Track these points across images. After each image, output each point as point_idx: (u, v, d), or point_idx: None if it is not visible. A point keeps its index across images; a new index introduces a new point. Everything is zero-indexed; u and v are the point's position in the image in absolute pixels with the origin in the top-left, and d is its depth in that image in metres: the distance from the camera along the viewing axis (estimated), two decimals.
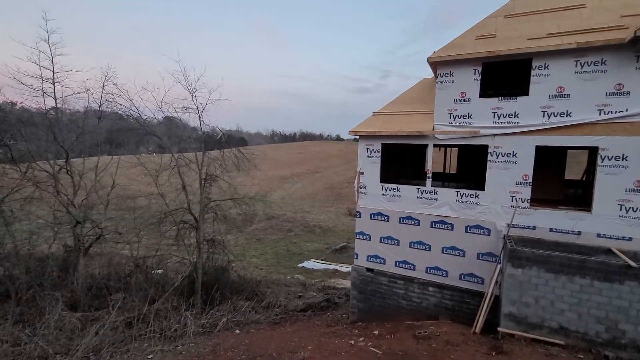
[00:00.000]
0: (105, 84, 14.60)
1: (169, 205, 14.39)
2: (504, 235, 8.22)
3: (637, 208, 7.30)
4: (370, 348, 7.52)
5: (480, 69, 8.48)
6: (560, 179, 10.67)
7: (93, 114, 15.79)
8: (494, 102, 8.43)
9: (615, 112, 7.32)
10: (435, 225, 9.26)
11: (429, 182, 9.29)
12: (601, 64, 7.40)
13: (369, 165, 9.98)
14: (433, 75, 9.87)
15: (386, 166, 10.25)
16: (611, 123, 7.38)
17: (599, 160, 7.57)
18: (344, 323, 10.71)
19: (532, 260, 7.12)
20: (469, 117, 8.67)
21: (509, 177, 8.35)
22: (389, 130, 9.44)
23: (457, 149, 12.86)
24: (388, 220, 9.86)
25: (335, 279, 19.71)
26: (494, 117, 8.41)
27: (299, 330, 10.20)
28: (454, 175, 13.31)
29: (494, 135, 8.40)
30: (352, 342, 8.11)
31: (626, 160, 7.29)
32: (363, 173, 10.11)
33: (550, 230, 8.10)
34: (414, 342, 7.57)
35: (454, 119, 8.84)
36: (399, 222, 9.70)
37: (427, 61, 8.92)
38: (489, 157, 8.54)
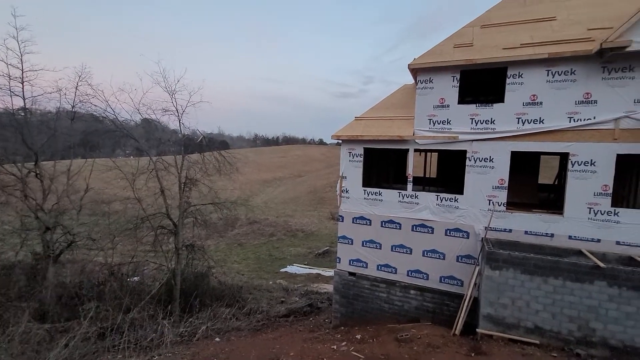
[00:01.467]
0: (79, 84, 14.06)
1: (146, 210, 13.93)
2: (482, 238, 8.43)
3: (605, 211, 7.66)
4: (353, 353, 7.48)
5: (458, 76, 8.72)
6: (534, 183, 11.09)
7: (65, 115, 15.14)
8: (471, 108, 8.68)
9: (584, 120, 7.69)
10: (416, 228, 9.39)
11: (410, 186, 9.43)
12: (571, 74, 7.77)
13: (352, 169, 10.03)
14: (414, 81, 10.06)
15: (368, 170, 10.33)
16: (580, 130, 7.75)
17: (569, 166, 7.92)
18: (326, 328, 10.64)
19: (508, 262, 7.33)
20: (448, 122, 8.89)
21: (487, 181, 8.60)
22: (371, 135, 9.53)
23: (437, 153, 13.17)
24: (370, 224, 9.92)
25: (318, 284, 19.62)
26: (471, 123, 8.66)
27: (281, 336, 10.05)
28: (435, 180, 13.60)
29: (472, 140, 8.64)
30: (335, 347, 8.05)
31: (594, 165, 7.66)
32: (345, 177, 10.14)
33: (525, 232, 8.37)
34: (396, 346, 7.60)
35: (434, 124, 9.03)
36: (381, 226, 9.78)
37: (408, 68, 9.10)
38: (468, 162, 8.77)
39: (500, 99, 8.41)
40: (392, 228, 9.65)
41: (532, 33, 8.54)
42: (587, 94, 7.67)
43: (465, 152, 8.82)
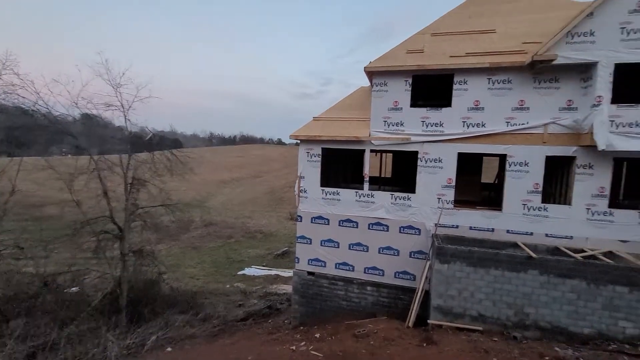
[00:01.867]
0: (2, 72, 12.43)
1: (86, 213, 12.73)
2: (433, 234, 8.94)
3: (536, 207, 8.54)
4: (312, 352, 7.51)
5: (410, 80, 9.17)
6: (478, 182, 12.00)
7: None
8: (422, 111, 9.17)
9: (519, 125, 8.50)
10: (372, 227, 9.68)
11: (366, 186, 9.71)
12: (508, 82, 8.55)
13: (310, 169, 10.07)
14: (370, 83, 10.37)
15: (326, 170, 10.45)
16: (516, 134, 8.55)
17: (507, 166, 8.70)
18: (286, 329, 10.57)
19: (456, 256, 7.86)
20: (402, 124, 9.30)
21: (436, 181, 9.14)
22: (329, 135, 9.65)
23: (392, 154, 13.71)
24: (328, 224, 10.03)
25: (277, 285, 19.42)
26: (422, 126, 9.15)
27: (239, 340, 9.78)
28: (390, 179, 14.14)
29: (423, 142, 9.13)
30: (294, 347, 8.02)
31: (527, 165, 8.50)
32: (304, 177, 10.15)
33: (470, 228, 9.04)
34: (353, 342, 7.77)
35: (388, 126, 9.39)
36: (339, 225, 9.94)
37: (364, 70, 9.36)
38: (419, 163, 9.25)
39: (448, 104, 9.00)
40: (350, 227, 9.86)
41: (475, 43, 9.24)
42: (522, 101, 8.49)
43: (417, 153, 9.29)
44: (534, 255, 7.46)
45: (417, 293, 8.77)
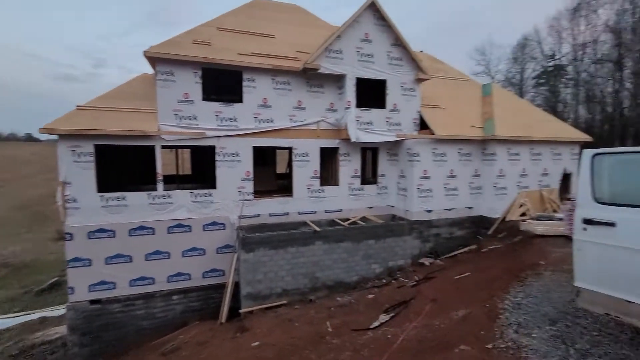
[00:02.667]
0: None
1: None
2: (237, 226, 9.17)
3: (317, 189, 10.38)
4: None
5: (200, 72, 8.84)
6: (274, 173, 13.29)
7: None
8: (216, 106, 9.08)
9: (299, 121, 9.99)
10: (172, 230, 8.83)
11: (160, 186, 8.69)
12: (288, 84, 9.80)
13: (78, 172, 7.92)
14: (154, 71, 9.20)
15: (105, 171, 8.57)
16: (297, 129, 10.00)
17: (293, 157, 10.08)
18: None
19: (259, 243, 8.42)
20: (195, 118, 8.87)
21: (235, 174, 9.38)
22: (105, 129, 7.89)
23: (190, 150, 12.91)
24: (114, 236, 8.31)
25: (45, 331, 14.41)
26: (217, 120, 9.09)
27: None
28: (190, 177, 13.32)
29: (219, 137, 9.10)
30: None
31: (308, 156, 10.17)
32: (69, 183, 7.88)
33: (270, 215, 9.92)
34: None
35: (180, 119, 8.73)
36: (130, 235, 8.44)
37: (144, 55, 8.19)
38: (217, 157, 9.17)
39: (240, 100, 9.34)
40: (145, 235, 8.58)
41: (260, 45, 9.99)
42: (300, 101, 9.99)
43: (214, 147, 9.16)
44: (318, 229, 9.09)
45: (227, 287, 8.82)
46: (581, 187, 3.00)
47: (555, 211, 11.04)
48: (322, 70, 9.60)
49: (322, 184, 10.54)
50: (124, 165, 11.04)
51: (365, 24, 10.14)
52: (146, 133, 8.19)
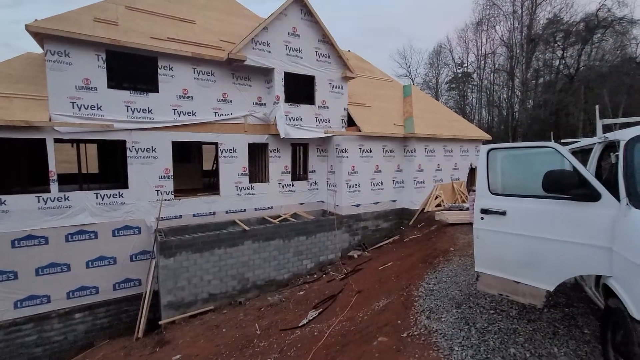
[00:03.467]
0: None
1: None
2: (155, 229, 8.29)
3: (245, 187, 9.95)
4: None
5: (104, 56, 7.69)
6: (198, 169, 12.40)
7: None
8: (125, 95, 8.02)
9: (225, 115, 9.42)
10: (72, 237, 7.58)
11: (54, 187, 7.36)
12: (211, 75, 9.15)
13: None
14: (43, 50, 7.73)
15: None
16: (223, 123, 9.43)
17: (219, 153, 9.49)
18: None
19: (180, 247, 7.73)
20: (99, 108, 7.71)
21: (152, 172, 8.45)
22: None
23: (96, 144, 11.25)
24: None
25: None
26: (128, 111, 8.04)
27: None
28: (97, 175, 11.64)
29: (130, 130, 8.07)
30: None
31: (235, 152, 9.68)
32: None
33: (194, 215, 9.20)
34: None
35: (79, 108, 7.49)
36: (13, 247, 7.00)
37: (27, 30, 6.78)
38: (129, 153, 8.14)
39: (155, 89, 8.41)
40: (34, 245, 7.20)
41: (177, 30, 9.11)
42: (225, 94, 9.41)
43: (125, 142, 8.10)
44: (247, 228, 8.73)
45: (145, 297, 7.94)
46: (479, 179, 3.33)
47: (463, 201, 12.45)
48: (248, 62, 9.17)
49: (251, 181, 10.16)
50: (4, 164, 9.11)
51: (293, 18, 9.98)
52: (31, 124, 6.82)
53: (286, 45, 9.89)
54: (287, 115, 9.96)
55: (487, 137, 14.05)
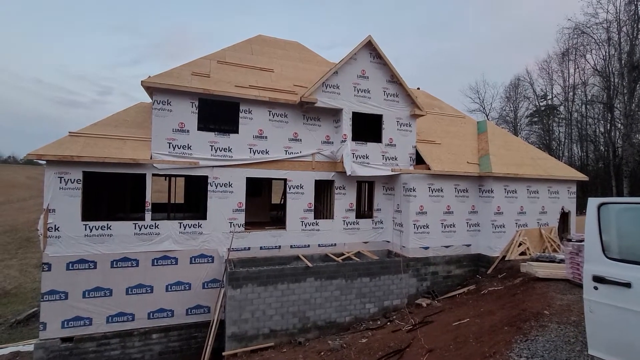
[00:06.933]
0: None
1: None
2: (226, 259, 8.78)
3: (310, 222, 10.09)
4: None
5: (197, 103, 8.89)
6: (267, 204, 13.04)
7: None
8: (211, 136, 9.05)
9: (295, 153, 9.92)
10: (157, 262, 8.43)
11: (148, 215, 8.41)
12: (284, 117, 9.85)
13: (64, 199, 7.68)
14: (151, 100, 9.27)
15: (93, 199, 8.33)
16: (292, 161, 9.91)
17: (287, 189, 9.89)
18: None
19: (247, 279, 7.99)
20: (189, 147, 8.79)
21: (227, 205, 9.14)
22: (95, 156, 7.75)
23: (184, 178, 12.74)
24: (95, 267, 7.91)
25: None
26: (211, 150, 9.01)
27: None
28: (182, 205, 13.03)
29: (213, 166, 8.97)
30: None
31: (302, 188, 9.99)
32: (54, 210, 7.61)
33: (261, 248, 9.55)
34: None
35: (174, 148, 8.64)
36: (112, 267, 8.03)
37: (141, 85, 8.27)
38: (209, 187, 8.98)
39: (236, 130, 9.33)
40: (127, 267, 8.17)
41: (257, 78, 10.16)
42: (295, 133, 9.99)
43: (207, 177, 8.99)
44: (310, 264, 8.70)
45: (212, 325, 8.25)
46: (588, 239, 2.73)
47: (555, 251, 10.71)
48: (319, 104, 9.69)
49: (316, 217, 10.28)
50: (114, 193, 10.81)
51: (362, 61, 10.40)
52: (137, 161, 8.05)
53: (355, 87, 10.26)
54: (353, 153, 10.07)
55: (583, 177, 12.22)
